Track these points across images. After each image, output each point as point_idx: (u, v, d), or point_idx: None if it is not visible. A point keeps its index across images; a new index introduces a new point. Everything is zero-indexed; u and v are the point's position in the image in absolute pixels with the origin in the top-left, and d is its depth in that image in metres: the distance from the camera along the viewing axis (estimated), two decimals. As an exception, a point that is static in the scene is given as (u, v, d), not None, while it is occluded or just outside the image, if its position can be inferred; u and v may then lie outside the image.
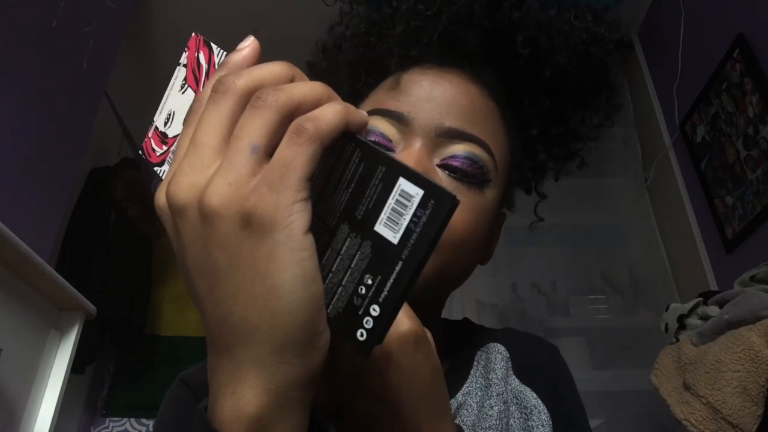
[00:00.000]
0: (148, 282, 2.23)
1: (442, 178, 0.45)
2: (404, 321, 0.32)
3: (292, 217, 0.24)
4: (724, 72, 1.65)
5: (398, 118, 0.46)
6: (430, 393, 0.33)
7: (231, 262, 0.24)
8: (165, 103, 0.35)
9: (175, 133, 0.34)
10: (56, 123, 1.52)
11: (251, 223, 0.24)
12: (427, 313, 0.52)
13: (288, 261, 0.24)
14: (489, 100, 0.50)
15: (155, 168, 0.34)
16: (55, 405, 1.18)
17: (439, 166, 0.45)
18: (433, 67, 0.50)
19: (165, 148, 0.34)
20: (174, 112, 0.34)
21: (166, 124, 0.34)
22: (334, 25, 0.58)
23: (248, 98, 0.25)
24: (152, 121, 0.35)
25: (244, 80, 0.25)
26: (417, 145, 0.45)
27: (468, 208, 0.45)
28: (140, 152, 0.36)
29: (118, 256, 2.02)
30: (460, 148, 0.45)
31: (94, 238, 1.98)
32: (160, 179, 0.33)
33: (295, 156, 0.24)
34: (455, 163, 0.45)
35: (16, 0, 1.35)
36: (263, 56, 0.28)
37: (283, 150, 0.24)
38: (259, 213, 0.23)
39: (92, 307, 1.30)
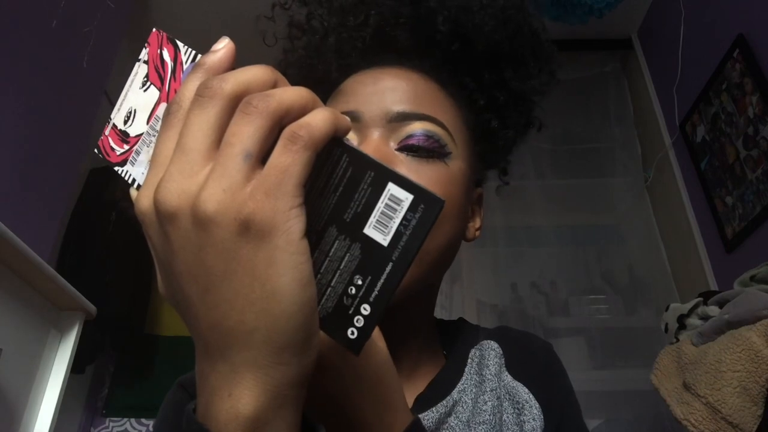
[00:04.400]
0: (148, 282, 2.23)
1: (403, 161, 0.46)
2: None
3: (290, 222, 0.24)
4: (724, 72, 1.65)
5: (349, 118, 0.47)
6: (375, 394, 0.35)
7: (227, 267, 0.24)
8: (124, 100, 0.34)
9: (137, 132, 0.33)
10: (56, 123, 1.52)
11: (249, 229, 0.24)
12: (419, 305, 0.53)
13: (287, 265, 0.24)
14: (431, 82, 0.52)
15: (115, 168, 0.33)
16: (55, 405, 1.18)
17: (399, 149, 0.47)
18: (372, 68, 0.53)
19: (126, 147, 0.33)
20: (135, 110, 0.33)
21: (126, 122, 0.33)
22: (281, 61, 0.61)
23: (236, 103, 0.25)
24: (109, 118, 0.34)
25: (230, 85, 0.25)
26: (372, 136, 0.47)
27: (434, 182, 0.46)
28: (96, 150, 0.34)
29: (118, 256, 2.02)
30: (413, 128, 0.47)
31: (94, 238, 1.98)
32: (123, 178, 0.32)
33: (291, 162, 0.24)
34: (412, 141, 0.47)
35: (16, 0, 1.35)
36: (238, 56, 0.28)
37: (279, 157, 0.24)
38: (258, 219, 0.24)
39: (92, 307, 1.30)
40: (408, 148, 0.47)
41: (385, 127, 0.47)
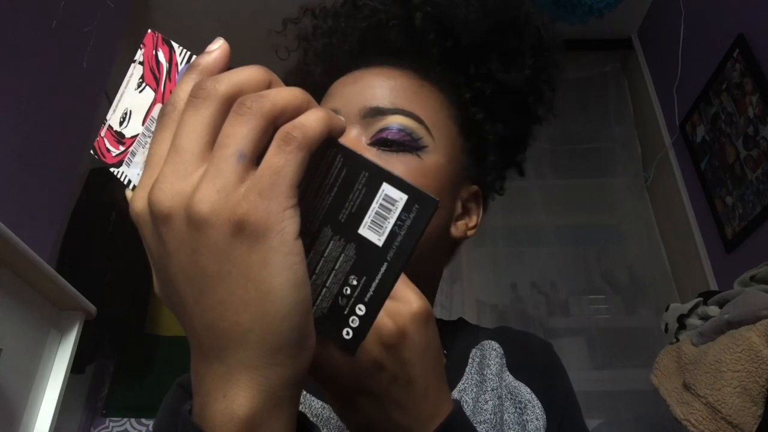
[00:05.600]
0: (148, 282, 2.22)
1: (373, 155, 0.47)
2: (415, 299, 0.34)
3: (284, 223, 0.24)
4: (724, 72, 1.65)
5: None
6: (437, 367, 0.36)
7: (222, 268, 0.24)
8: (119, 101, 0.34)
9: (133, 134, 0.33)
10: (56, 123, 1.52)
11: (243, 230, 0.24)
12: None
13: (281, 266, 0.24)
14: (415, 79, 0.52)
15: (111, 169, 0.33)
16: (55, 405, 1.18)
17: (371, 144, 0.48)
18: (359, 70, 0.53)
19: (122, 148, 0.33)
20: (130, 111, 0.33)
21: (121, 123, 0.33)
22: (288, 71, 0.63)
23: (230, 104, 0.25)
24: (105, 119, 0.34)
25: (224, 86, 0.25)
26: (349, 133, 0.48)
27: (400, 174, 0.46)
28: (92, 151, 0.35)
29: (118, 256, 2.02)
30: (386, 122, 0.48)
31: (94, 238, 1.98)
32: (119, 180, 0.32)
33: (285, 163, 0.24)
34: (384, 135, 0.48)
35: (16, 0, 1.35)
36: (233, 57, 0.28)
37: (272, 157, 0.24)
38: (252, 220, 0.24)
39: (92, 307, 1.30)
40: (380, 142, 0.47)
41: (360, 123, 0.48)
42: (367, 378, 0.33)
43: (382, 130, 0.48)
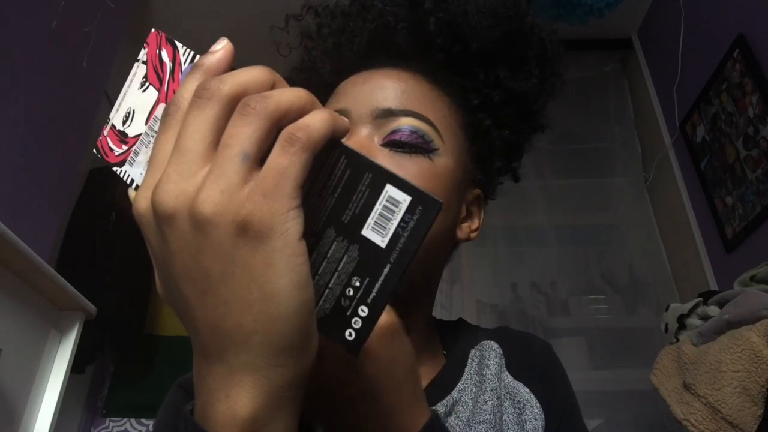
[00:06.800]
0: (148, 282, 2.23)
1: (386, 156, 0.47)
2: None
3: (288, 224, 0.24)
4: (724, 72, 1.65)
5: None
6: (407, 381, 0.35)
7: (225, 269, 0.24)
8: (122, 100, 0.34)
9: (136, 133, 0.33)
10: (56, 123, 1.52)
11: (247, 231, 0.24)
12: (416, 305, 0.53)
13: (284, 267, 0.24)
14: (424, 82, 0.53)
15: (114, 168, 0.33)
16: (55, 405, 1.18)
17: (383, 145, 0.48)
18: (368, 70, 0.53)
19: (125, 147, 0.33)
20: (133, 111, 0.33)
21: (124, 122, 0.33)
22: (292, 68, 0.63)
23: (234, 104, 0.25)
24: (107, 118, 0.34)
25: (228, 86, 0.25)
26: (359, 132, 0.48)
27: (415, 176, 0.47)
28: (95, 150, 0.35)
29: (118, 256, 2.02)
30: (398, 124, 0.48)
31: (94, 238, 1.98)
32: (121, 179, 0.32)
33: (289, 164, 0.24)
34: (396, 137, 0.47)
35: (16, 0, 1.35)
36: (237, 57, 0.28)
37: (277, 158, 0.24)
38: (255, 221, 0.24)
39: (92, 307, 1.30)
40: (392, 144, 0.47)
41: (372, 124, 0.48)
42: (331, 392, 0.33)
43: (394, 132, 0.47)
